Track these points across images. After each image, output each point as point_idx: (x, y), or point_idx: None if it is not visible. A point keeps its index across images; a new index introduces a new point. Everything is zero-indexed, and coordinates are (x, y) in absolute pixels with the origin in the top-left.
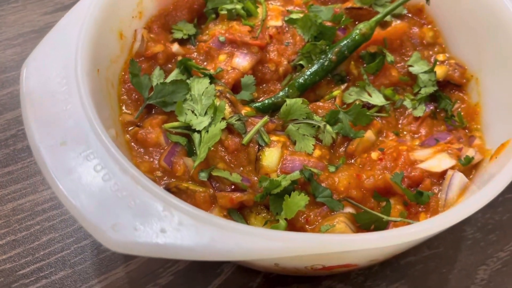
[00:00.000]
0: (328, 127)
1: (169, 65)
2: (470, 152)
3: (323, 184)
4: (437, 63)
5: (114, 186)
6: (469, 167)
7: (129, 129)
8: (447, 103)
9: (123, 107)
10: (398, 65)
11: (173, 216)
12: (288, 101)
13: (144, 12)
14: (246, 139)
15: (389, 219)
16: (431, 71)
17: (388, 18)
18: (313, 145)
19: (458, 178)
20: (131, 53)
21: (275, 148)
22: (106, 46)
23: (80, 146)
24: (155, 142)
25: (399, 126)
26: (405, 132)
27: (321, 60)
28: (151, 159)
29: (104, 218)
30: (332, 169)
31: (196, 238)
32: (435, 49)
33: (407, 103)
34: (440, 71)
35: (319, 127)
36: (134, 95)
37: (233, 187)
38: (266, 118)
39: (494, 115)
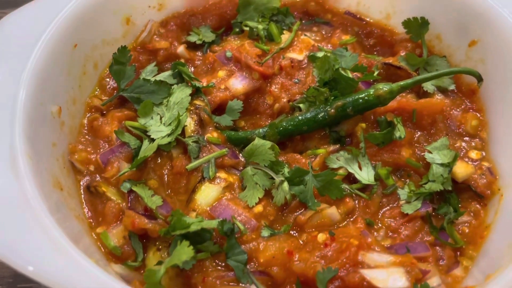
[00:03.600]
0: (284, 185)
1: (168, 65)
2: (434, 280)
3: (243, 246)
4: (466, 160)
5: None
6: None
7: (89, 114)
8: (449, 210)
9: (98, 91)
10: (420, 146)
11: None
12: (257, 140)
13: (167, 5)
14: (191, 164)
15: None
16: (448, 165)
17: (431, 89)
18: (259, 198)
19: None
20: (136, 42)
21: (216, 186)
22: (101, 26)
23: None
24: (107, 135)
25: (379, 216)
26: (381, 225)
27: (317, 110)
28: (92, 151)
29: None
30: (265, 233)
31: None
32: (473, 143)
33: (402, 193)
34: (462, 170)
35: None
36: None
37: (146, 210)
38: (224, 150)
39: (498, 249)
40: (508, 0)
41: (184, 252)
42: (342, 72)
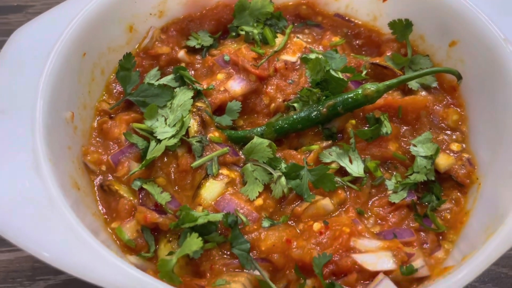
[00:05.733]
0: (282, 179)
1: (170, 69)
2: (418, 262)
3: (246, 236)
4: (448, 152)
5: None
6: (409, 279)
7: (98, 118)
8: (432, 198)
9: (105, 96)
10: (406, 139)
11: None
12: (255, 139)
13: (167, 12)
14: (196, 163)
15: None
16: (431, 157)
17: (415, 86)
18: (259, 192)
19: (384, 286)
20: (139, 48)
21: (219, 181)
22: (107, 34)
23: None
24: (116, 137)
25: (368, 205)
26: (370, 214)
27: (310, 109)
28: (104, 153)
29: None
30: (265, 224)
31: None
32: (454, 136)
33: (390, 183)
34: (444, 161)
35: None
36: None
37: (156, 206)
38: (226, 148)
39: (475, 233)
40: (484, 4)
41: (194, 243)
42: (333, 73)
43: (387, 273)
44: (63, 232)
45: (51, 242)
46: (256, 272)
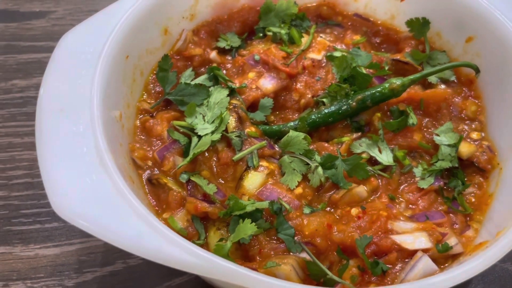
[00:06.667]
0: (319, 169)
1: (202, 69)
2: (452, 241)
3: (290, 222)
4: (468, 140)
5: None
6: (445, 256)
7: (141, 116)
8: (458, 183)
9: (145, 95)
10: (428, 130)
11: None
12: (291, 132)
13: (197, 15)
14: (237, 156)
15: (334, 278)
16: (454, 145)
17: (434, 80)
18: (298, 181)
19: (424, 263)
20: (173, 50)
21: (260, 173)
22: (145, 37)
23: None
24: (159, 134)
25: (399, 191)
26: (401, 199)
27: (340, 103)
28: (148, 149)
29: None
30: (306, 210)
31: (125, 227)
32: (473, 126)
33: (417, 171)
34: (466, 149)
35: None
36: (161, 88)
37: (205, 196)
38: (264, 142)
39: (501, 213)
40: (499, 2)
41: (249, 228)
42: (359, 69)
43: (424, 251)
44: (136, 221)
45: (127, 231)
46: (302, 255)
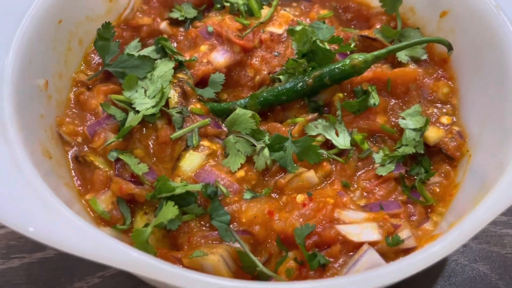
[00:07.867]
0: (265, 151)
1: (151, 41)
2: (404, 233)
3: (226, 208)
4: (438, 125)
5: None
6: (396, 250)
7: (75, 89)
8: (420, 170)
9: (83, 66)
10: (395, 113)
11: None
12: (238, 110)
13: None
14: (175, 134)
15: (265, 271)
16: (420, 129)
17: (404, 59)
18: (241, 163)
19: (369, 257)
20: (120, 19)
21: (199, 153)
22: (85, 2)
23: None
24: (93, 108)
25: (355, 178)
26: (356, 186)
27: (296, 81)
28: (79, 124)
29: None
30: (247, 196)
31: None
32: (444, 109)
33: (377, 157)
34: (434, 134)
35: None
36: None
37: (133, 177)
38: (207, 120)
39: (463, 204)
40: None
41: (170, 212)
42: (320, 44)
43: (372, 244)
44: (33, 201)
45: (20, 211)
46: (236, 245)
